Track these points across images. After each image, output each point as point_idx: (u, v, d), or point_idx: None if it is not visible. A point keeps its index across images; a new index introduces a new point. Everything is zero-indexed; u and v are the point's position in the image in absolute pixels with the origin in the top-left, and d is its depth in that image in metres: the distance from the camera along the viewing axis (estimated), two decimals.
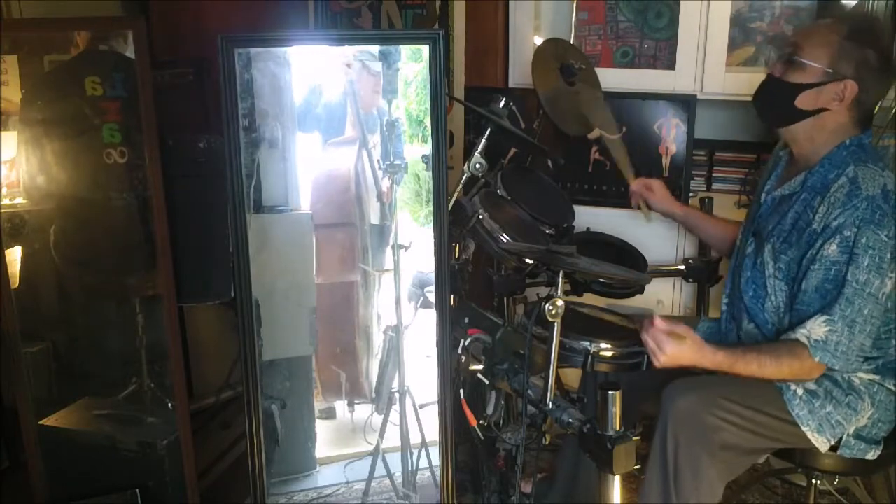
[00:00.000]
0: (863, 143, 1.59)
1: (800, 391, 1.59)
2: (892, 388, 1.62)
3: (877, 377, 1.61)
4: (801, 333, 1.53)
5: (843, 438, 1.61)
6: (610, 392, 1.37)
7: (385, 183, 2.21)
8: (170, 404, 1.98)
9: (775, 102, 1.65)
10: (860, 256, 1.48)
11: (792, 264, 1.59)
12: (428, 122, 1.67)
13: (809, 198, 1.59)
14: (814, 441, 1.58)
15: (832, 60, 1.54)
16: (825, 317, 1.51)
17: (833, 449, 1.61)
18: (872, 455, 1.63)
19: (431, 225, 1.67)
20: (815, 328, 1.51)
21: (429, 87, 1.61)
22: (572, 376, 2.23)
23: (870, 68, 1.53)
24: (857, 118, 1.59)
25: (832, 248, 1.51)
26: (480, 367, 1.64)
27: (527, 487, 1.79)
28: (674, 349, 1.52)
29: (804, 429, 1.58)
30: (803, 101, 1.58)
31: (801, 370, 1.54)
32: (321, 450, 2.39)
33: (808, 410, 1.58)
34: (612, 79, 2.42)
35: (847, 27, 1.56)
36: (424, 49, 1.61)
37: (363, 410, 2.42)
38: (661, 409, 1.59)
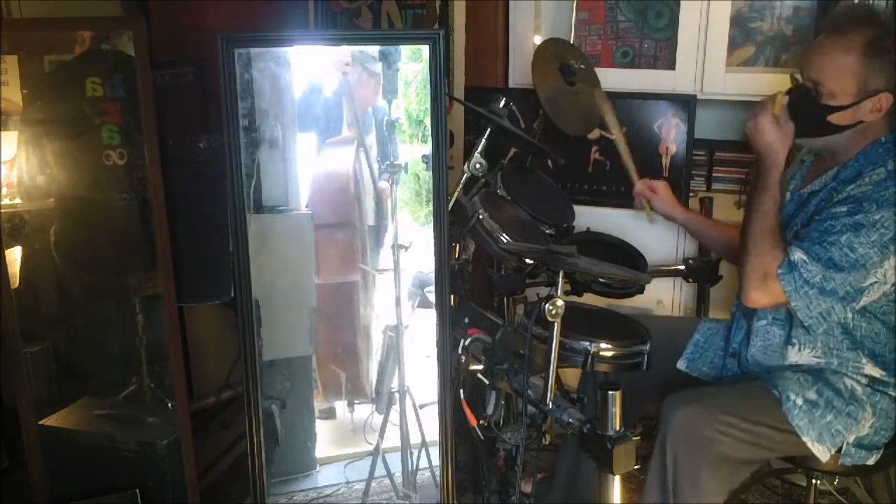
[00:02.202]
0: None
1: (799, 401, 1.56)
2: (893, 394, 1.60)
3: (884, 374, 1.59)
4: (791, 249, 1.51)
5: (844, 447, 1.58)
6: (610, 392, 1.37)
7: (384, 183, 2.21)
8: (170, 404, 1.99)
9: (806, 117, 1.55)
10: (867, 230, 1.45)
11: None
12: (428, 122, 1.66)
13: (837, 186, 1.56)
14: (814, 450, 1.56)
15: (861, 84, 1.48)
16: (806, 254, 1.49)
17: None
18: (872, 461, 1.61)
19: (431, 225, 1.67)
20: (796, 252, 1.50)
21: (429, 87, 1.61)
22: (572, 376, 2.23)
23: None
24: (890, 120, 1.55)
25: (841, 209, 1.48)
26: (480, 367, 1.64)
27: (527, 487, 1.80)
28: (777, 135, 1.53)
29: (804, 438, 1.55)
30: (838, 119, 1.53)
31: (760, 268, 1.52)
32: (321, 450, 2.39)
33: (808, 420, 1.55)
34: (612, 79, 2.42)
35: (862, 39, 1.47)
36: (424, 49, 1.60)
37: (363, 410, 2.42)
38: (660, 421, 1.57)
